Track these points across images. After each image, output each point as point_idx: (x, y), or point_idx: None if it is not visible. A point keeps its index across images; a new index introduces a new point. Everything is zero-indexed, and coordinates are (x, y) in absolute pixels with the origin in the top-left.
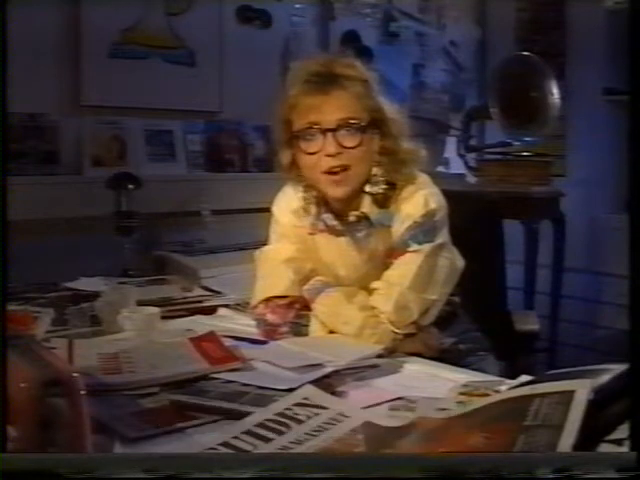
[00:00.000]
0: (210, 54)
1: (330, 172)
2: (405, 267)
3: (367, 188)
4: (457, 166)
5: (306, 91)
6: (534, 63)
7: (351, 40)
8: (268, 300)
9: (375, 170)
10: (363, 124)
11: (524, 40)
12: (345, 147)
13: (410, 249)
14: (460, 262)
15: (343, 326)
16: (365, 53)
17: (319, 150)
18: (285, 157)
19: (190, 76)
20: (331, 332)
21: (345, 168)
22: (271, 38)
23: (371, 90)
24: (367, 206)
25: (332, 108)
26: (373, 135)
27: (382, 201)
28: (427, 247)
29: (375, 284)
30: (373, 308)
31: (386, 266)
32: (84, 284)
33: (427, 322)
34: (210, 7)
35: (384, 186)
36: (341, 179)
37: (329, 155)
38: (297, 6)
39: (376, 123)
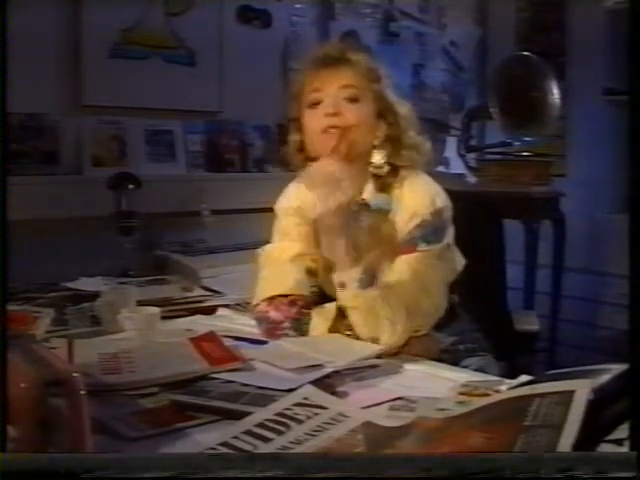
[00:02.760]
0: (210, 54)
1: (327, 131)
2: (414, 268)
3: (370, 169)
4: (457, 166)
5: (315, 67)
6: (534, 63)
7: (351, 40)
8: (272, 298)
9: (377, 155)
10: (364, 96)
11: (524, 40)
12: (343, 110)
13: (420, 248)
14: (460, 262)
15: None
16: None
17: (320, 113)
18: (293, 141)
19: (190, 76)
20: (331, 331)
21: (342, 129)
22: (271, 38)
23: (378, 78)
24: (368, 193)
25: (335, 78)
26: (379, 121)
27: (382, 187)
28: (437, 248)
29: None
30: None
31: (388, 257)
32: (84, 284)
33: (432, 323)
34: (210, 7)
35: (386, 167)
36: (339, 136)
37: (327, 114)
38: (297, 6)
39: (382, 110)
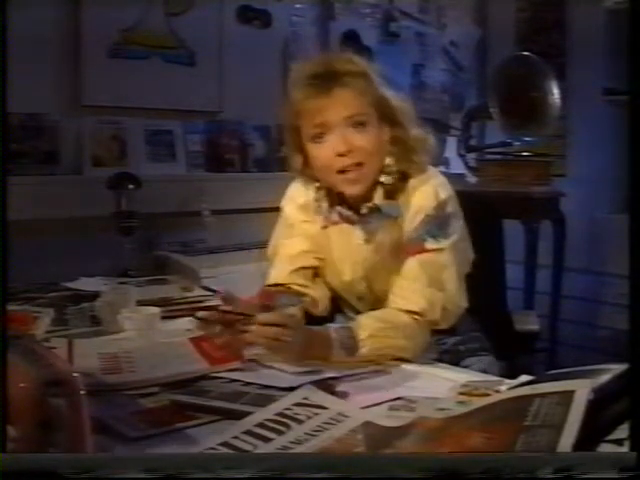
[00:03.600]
0: (210, 54)
1: (344, 171)
2: (431, 267)
3: (382, 178)
4: (457, 166)
5: (309, 94)
6: (534, 63)
7: (351, 40)
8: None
9: (388, 160)
10: (370, 119)
11: (524, 40)
12: (355, 144)
13: (428, 245)
14: (471, 252)
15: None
16: (365, 53)
17: (330, 150)
18: (296, 161)
19: (190, 76)
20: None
21: (358, 164)
22: (271, 38)
23: (373, 82)
24: (379, 198)
25: (337, 107)
26: (382, 127)
27: (391, 192)
28: (446, 244)
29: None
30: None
31: (398, 261)
32: (84, 284)
33: (452, 318)
34: (210, 7)
35: (396, 176)
36: (356, 177)
37: (340, 155)
38: (297, 6)
39: (384, 114)
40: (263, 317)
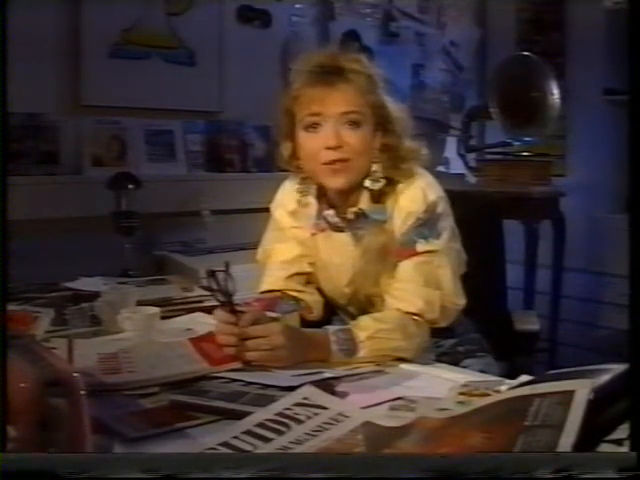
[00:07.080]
0: (210, 54)
1: (329, 163)
2: (424, 268)
3: (366, 183)
4: (457, 166)
5: (310, 83)
6: (534, 63)
7: (351, 40)
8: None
9: (375, 167)
10: (365, 120)
11: (524, 40)
12: (346, 141)
13: (419, 247)
14: (463, 253)
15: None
16: (365, 53)
17: (320, 142)
18: (285, 149)
19: (190, 76)
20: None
21: (345, 160)
22: (271, 38)
23: (375, 86)
24: (365, 202)
25: (335, 101)
26: (376, 132)
27: (377, 196)
28: (438, 245)
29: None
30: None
31: (386, 265)
32: (84, 284)
33: (452, 316)
34: (210, 7)
35: (383, 181)
36: (340, 169)
37: (329, 148)
38: (297, 6)
39: (379, 120)
40: (251, 330)
